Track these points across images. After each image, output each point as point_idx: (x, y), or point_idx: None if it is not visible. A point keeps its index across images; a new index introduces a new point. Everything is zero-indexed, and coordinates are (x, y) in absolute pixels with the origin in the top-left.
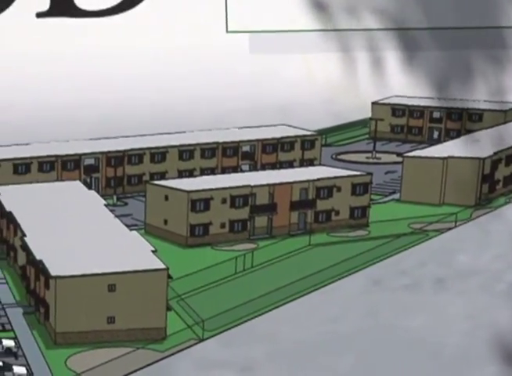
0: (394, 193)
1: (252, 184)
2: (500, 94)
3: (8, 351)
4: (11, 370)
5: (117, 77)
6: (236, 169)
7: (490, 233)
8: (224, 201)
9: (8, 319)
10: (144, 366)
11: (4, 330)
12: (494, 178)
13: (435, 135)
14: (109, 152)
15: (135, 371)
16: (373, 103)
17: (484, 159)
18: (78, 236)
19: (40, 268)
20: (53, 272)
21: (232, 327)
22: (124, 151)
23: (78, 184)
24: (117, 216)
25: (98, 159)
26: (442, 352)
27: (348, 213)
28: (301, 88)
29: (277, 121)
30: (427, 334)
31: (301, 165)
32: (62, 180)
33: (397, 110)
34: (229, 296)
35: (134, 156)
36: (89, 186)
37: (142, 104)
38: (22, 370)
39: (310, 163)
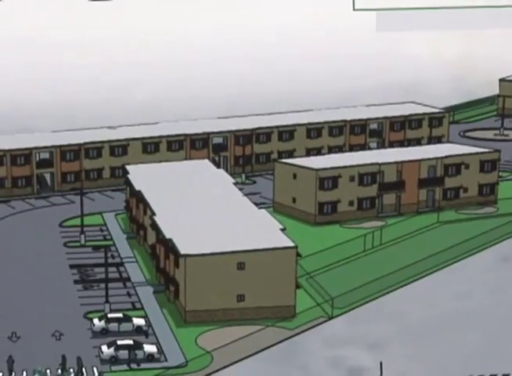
0: None
1: (380, 162)
2: None
3: (138, 329)
4: (141, 348)
5: (246, 58)
6: (363, 147)
7: None
8: (352, 179)
9: (138, 298)
10: (274, 344)
11: (134, 308)
12: None
13: None
14: (237, 131)
15: (265, 349)
16: (501, 80)
17: None
18: (207, 214)
19: (169, 246)
20: (183, 250)
21: (361, 305)
22: (253, 130)
23: (207, 163)
24: (245, 194)
25: (226, 138)
26: None
27: (477, 190)
28: (428, 66)
29: (404, 99)
30: None
31: (429, 143)
32: (190, 159)
33: None
34: (358, 274)
35: (262, 134)
36: (218, 165)
37: (269, 83)
38: (152, 348)
39: (438, 140)
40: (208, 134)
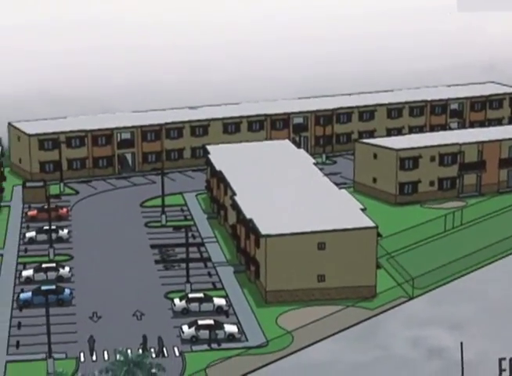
0: None
1: (461, 142)
2: None
3: (219, 309)
4: (222, 328)
5: (326, 37)
6: (444, 127)
7: None
8: (433, 159)
9: (219, 277)
10: (354, 324)
11: (215, 288)
12: None
13: None
14: (317, 111)
15: (346, 329)
16: None
17: None
18: (287, 194)
19: (250, 227)
20: (263, 230)
21: (441, 285)
22: (333, 110)
23: (287, 143)
24: (326, 174)
25: (307, 118)
26: None
27: None
28: (510, 46)
29: (484, 79)
30: None
31: (510, 123)
32: (271, 139)
33: None
34: (438, 254)
35: (343, 114)
36: (298, 145)
37: (349, 63)
38: (233, 328)
39: None
40: (289, 114)
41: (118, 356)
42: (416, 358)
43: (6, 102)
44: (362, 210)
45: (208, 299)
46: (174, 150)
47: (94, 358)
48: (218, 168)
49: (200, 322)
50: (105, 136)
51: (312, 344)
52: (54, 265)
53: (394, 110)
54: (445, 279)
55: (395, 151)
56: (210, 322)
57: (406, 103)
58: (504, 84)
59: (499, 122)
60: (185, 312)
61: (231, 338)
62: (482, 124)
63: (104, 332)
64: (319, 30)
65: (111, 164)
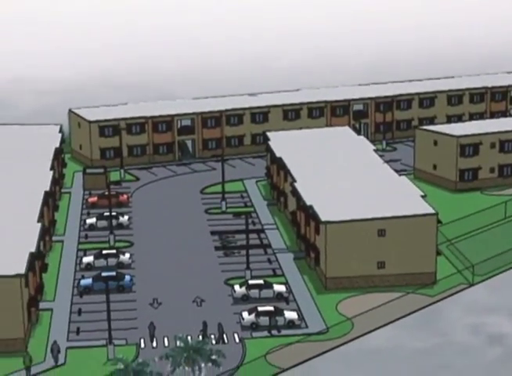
0: None
1: None
2: None
3: (279, 296)
4: (282, 314)
5: (388, 26)
6: (504, 114)
7: None
8: (493, 146)
9: (279, 264)
10: (414, 311)
11: (275, 275)
12: None
13: None
14: (378, 97)
15: (405, 316)
16: None
17: None
18: (347, 181)
19: (310, 213)
20: (323, 217)
21: (502, 272)
22: (393, 97)
23: (347, 130)
24: (386, 161)
25: (367, 104)
26: None
27: None
28: None
29: None
30: None
31: None
32: (331, 126)
33: None
34: (499, 241)
35: (403, 101)
36: (358, 132)
37: (410, 50)
38: (293, 314)
39: None
40: (349, 101)
41: (178, 343)
42: (476, 345)
43: (68, 88)
44: (422, 197)
45: (268, 286)
46: (235, 136)
47: (154, 344)
48: (278, 154)
49: (260, 308)
50: (165, 123)
51: (372, 330)
52: (114, 251)
53: (454, 97)
54: (505, 266)
55: (456, 138)
56: (270, 308)
57: (467, 89)
58: None
59: None
60: (245, 298)
61: (291, 324)
62: None
63: (164, 318)
64: (381, 18)
65: (171, 150)
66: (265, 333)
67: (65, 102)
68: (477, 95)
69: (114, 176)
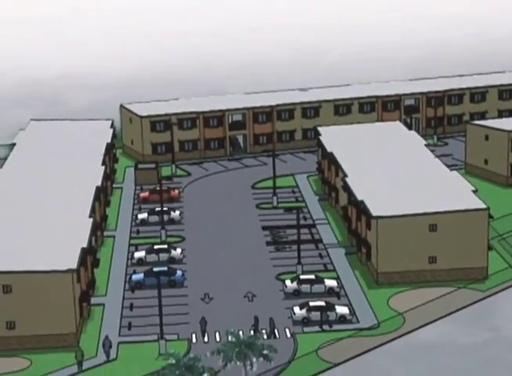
0: None
1: None
2: None
3: (330, 291)
4: (334, 309)
5: (439, 21)
6: None
7: None
8: None
9: (330, 259)
10: (466, 306)
11: (326, 270)
12: None
13: None
14: (429, 92)
15: (457, 311)
16: None
17: None
18: (398, 176)
19: (361, 208)
20: (375, 212)
21: None
22: (444, 91)
23: (398, 124)
24: (437, 156)
25: (418, 99)
26: None
27: None
28: None
29: None
30: None
31: None
32: (382, 121)
33: None
34: None
35: (454, 96)
36: (409, 127)
37: (460, 45)
38: (344, 309)
39: None
40: (400, 96)
41: (230, 338)
42: None
43: (119, 84)
44: (474, 191)
45: (319, 281)
46: (286, 131)
47: (206, 339)
48: (329, 149)
49: (312, 303)
50: (216, 118)
51: (423, 325)
52: (166, 246)
53: (505, 92)
54: None
55: (507, 133)
56: (322, 303)
57: None
58: None
59: None
60: (296, 293)
61: (342, 319)
62: None
63: (216, 313)
64: (432, 13)
65: (223, 145)
66: (317, 328)
67: (116, 97)
68: None
69: (166, 171)
